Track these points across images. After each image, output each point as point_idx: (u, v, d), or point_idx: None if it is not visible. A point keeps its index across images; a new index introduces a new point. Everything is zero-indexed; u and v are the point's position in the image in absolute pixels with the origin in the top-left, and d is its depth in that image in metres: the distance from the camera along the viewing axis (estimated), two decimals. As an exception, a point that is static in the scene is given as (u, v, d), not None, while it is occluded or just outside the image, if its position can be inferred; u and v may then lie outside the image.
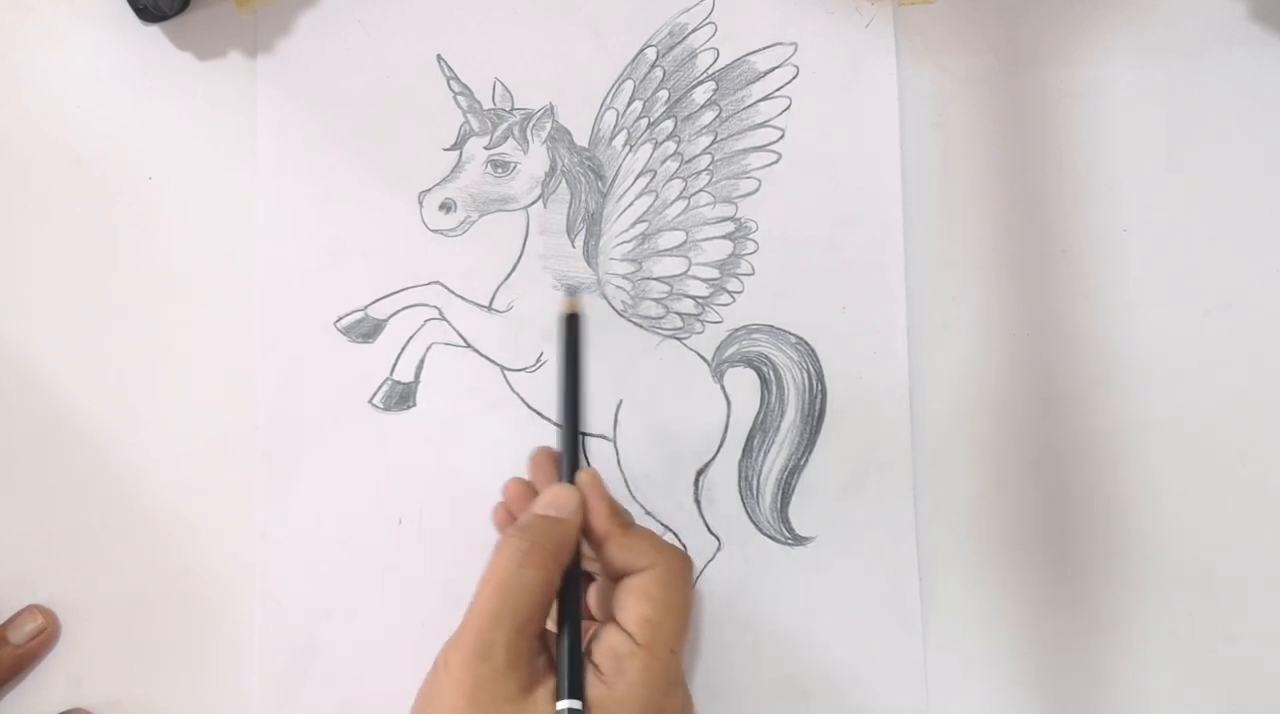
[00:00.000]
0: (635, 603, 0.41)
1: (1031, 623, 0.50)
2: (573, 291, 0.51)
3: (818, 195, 0.52)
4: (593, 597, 0.44)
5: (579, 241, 0.52)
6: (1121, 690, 0.49)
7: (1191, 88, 0.52)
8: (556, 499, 0.42)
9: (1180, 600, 0.50)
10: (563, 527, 0.42)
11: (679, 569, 0.42)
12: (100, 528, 0.50)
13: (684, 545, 0.50)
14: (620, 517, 0.43)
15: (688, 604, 0.42)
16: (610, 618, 0.41)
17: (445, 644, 0.40)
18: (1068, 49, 0.52)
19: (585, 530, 0.42)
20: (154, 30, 0.52)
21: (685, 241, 0.52)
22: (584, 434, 0.51)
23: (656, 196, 0.52)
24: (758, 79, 0.52)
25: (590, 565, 0.44)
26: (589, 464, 0.46)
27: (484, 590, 0.40)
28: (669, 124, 0.52)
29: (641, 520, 0.50)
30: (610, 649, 0.40)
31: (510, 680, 0.38)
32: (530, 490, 0.45)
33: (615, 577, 0.42)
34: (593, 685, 0.39)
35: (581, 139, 0.52)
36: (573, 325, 0.46)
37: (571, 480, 0.43)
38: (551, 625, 0.41)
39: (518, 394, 0.51)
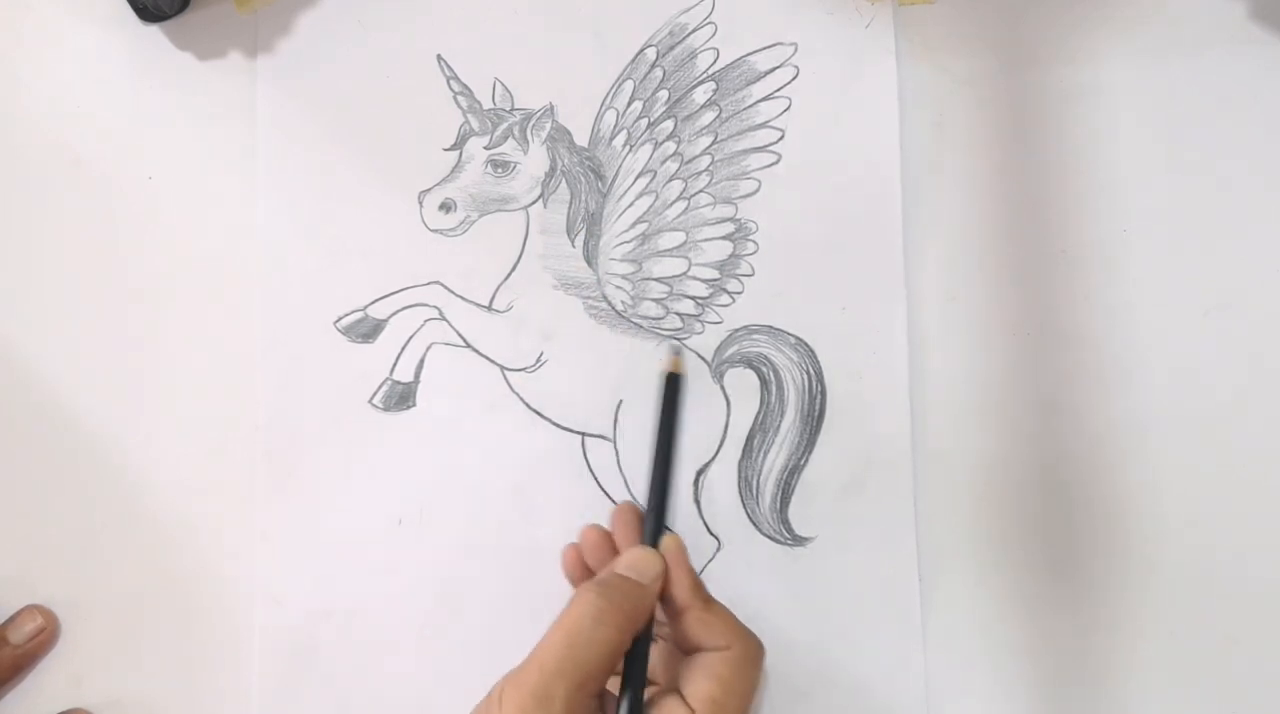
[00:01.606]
0: (704, 681, 0.40)
1: (1031, 623, 0.50)
2: (677, 349, 0.50)
3: (818, 195, 0.52)
4: (655, 658, 0.44)
5: (579, 241, 0.52)
6: (1121, 690, 0.49)
7: (1191, 88, 0.52)
8: (639, 563, 0.42)
9: (1180, 600, 0.50)
10: (642, 591, 0.41)
11: (752, 656, 0.41)
12: (100, 528, 0.50)
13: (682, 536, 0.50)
14: (701, 590, 0.42)
15: (753, 691, 0.41)
16: (673, 688, 0.41)
17: (504, 678, 0.39)
18: (1068, 49, 0.52)
19: (663, 598, 0.42)
20: (154, 30, 0.52)
21: (685, 242, 0.52)
22: (592, 435, 0.51)
23: (656, 197, 0.52)
24: (758, 79, 0.52)
25: (658, 630, 0.43)
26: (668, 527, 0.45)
27: (553, 637, 0.39)
28: (669, 124, 0.52)
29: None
30: None
31: None
32: (607, 540, 0.45)
33: (686, 649, 0.42)
34: None
35: (581, 139, 0.52)
36: (674, 385, 0.45)
37: (655, 544, 0.43)
38: (612, 687, 0.41)
39: (517, 394, 0.51)
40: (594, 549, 0.45)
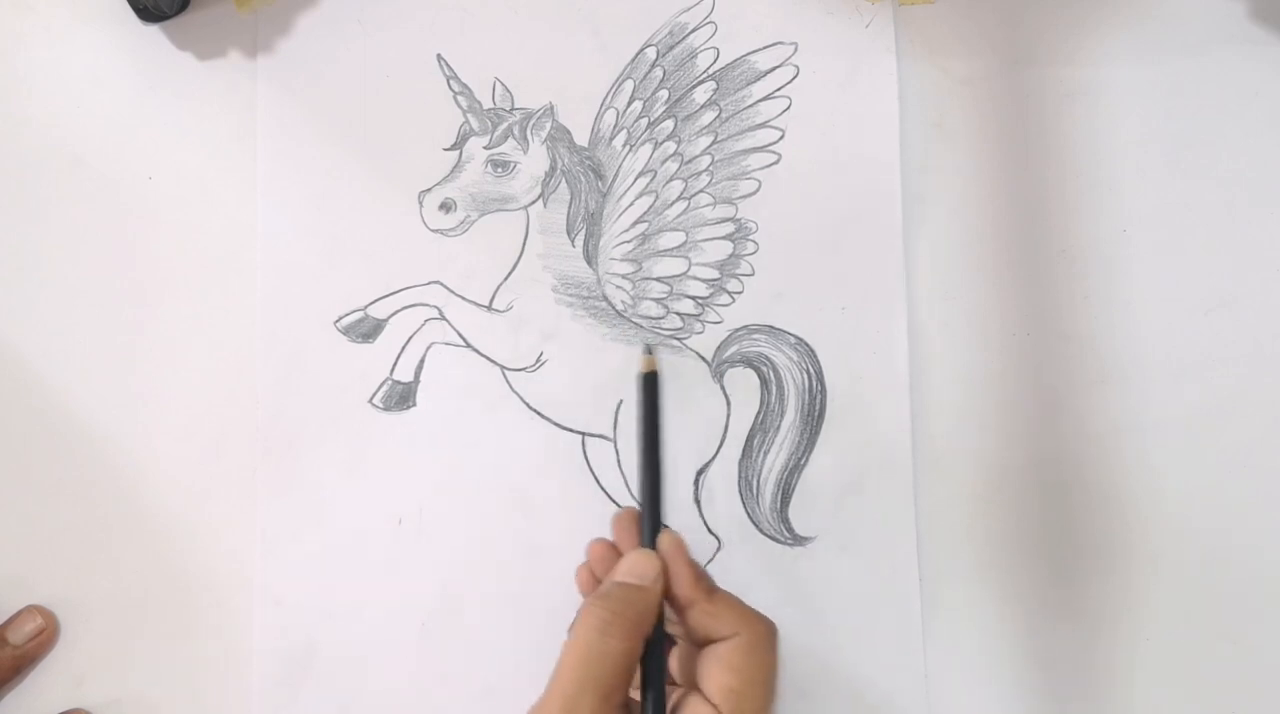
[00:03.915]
0: (719, 672, 0.40)
1: (1031, 623, 0.50)
2: (651, 348, 0.50)
3: (818, 195, 0.52)
4: (674, 661, 0.43)
5: (579, 241, 0.52)
6: (1121, 690, 0.49)
7: (1191, 88, 0.52)
8: (637, 566, 0.41)
9: (1180, 600, 0.50)
10: (644, 594, 0.41)
11: (764, 638, 0.41)
12: (100, 528, 0.50)
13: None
14: (704, 582, 0.42)
15: (772, 673, 0.41)
16: (693, 685, 0.41)
17: (529, 711, 0.39)
18: (1068, 49, 0.52)
19: (668, 596, 0.41)
20: (154, 30, 0.52)
21: (685, 242, 0.52)
22: (592, 435, 0.51)
23: (656, 197, 0.52)
24: (758, 79, 0.52)
25: (673, 628, 0.43)
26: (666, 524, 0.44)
27: (567, 660, 0.39)
28: (669, 124, 0.52)
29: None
30: None
31: None
32: (613, 552, 0.45)
33: (699, 643, 0.41)
34: None
35: (581, 139, 0.52)
36: (651, 384, 0.44)
37: (653, 545, 0.42)
38: (634, 692, 0.41)
39: (517, 394, 0.51)
40: (601, 562, 0.45)
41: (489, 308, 0.51)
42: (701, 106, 0.52)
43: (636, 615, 0.40)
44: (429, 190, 0.51)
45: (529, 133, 0.52)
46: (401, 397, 0.51)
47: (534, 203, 0.52)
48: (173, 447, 0.50)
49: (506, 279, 0.51)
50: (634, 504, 0.50)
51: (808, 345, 0.51)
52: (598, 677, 0.38)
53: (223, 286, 0.51)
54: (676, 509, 0.50)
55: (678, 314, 0.51)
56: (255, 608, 0.49)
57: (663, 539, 0.42)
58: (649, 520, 0.43)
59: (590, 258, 0.52)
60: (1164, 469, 0.50)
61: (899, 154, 0.51)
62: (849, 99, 0.52)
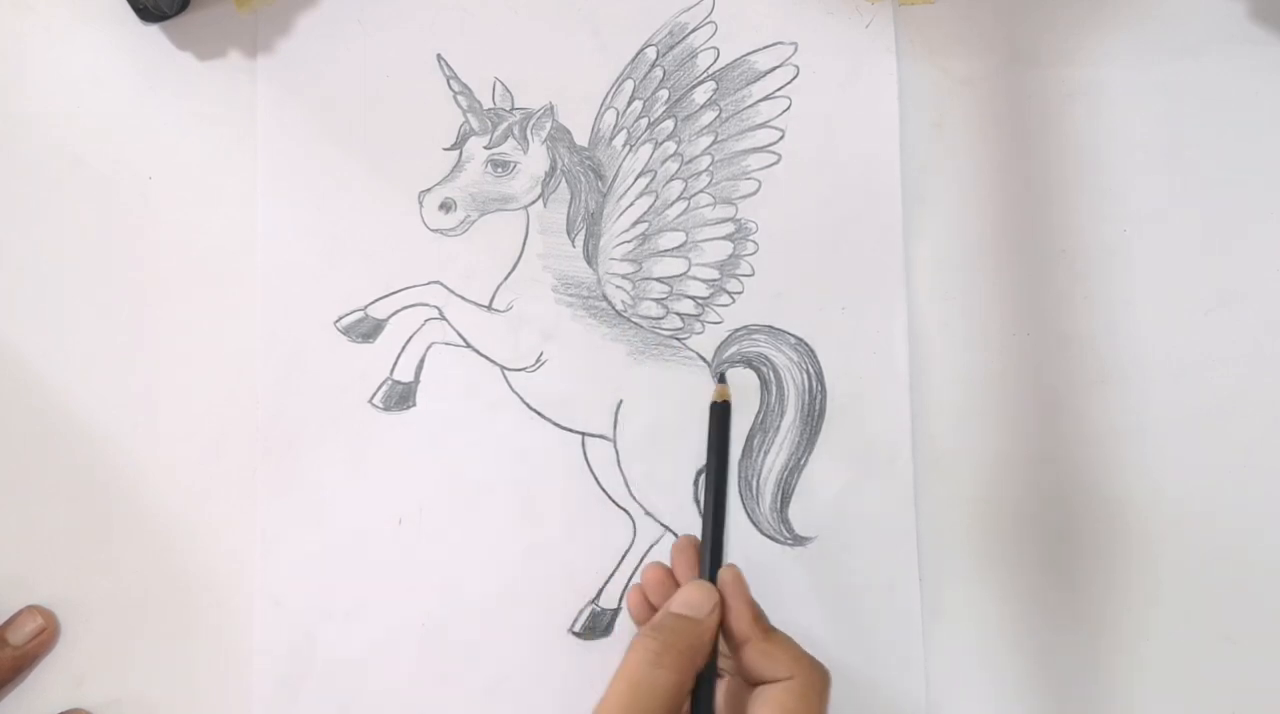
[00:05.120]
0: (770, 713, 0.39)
1: (1031, 623, 0.50)
2: (722, 377, 0.50)
3: (818, 195, 0.52)
4: (722, 697, 0.43)
5: (579, 241, 0.52)
6: (1121, 690, 0.49)
7: (1191, 88, 0.52)
8: (693, 598, 0.41)
9: (1180, 600, 0.50)
10: (698, 628, 0.40)
11: (817, 685, 0.40)
12: (100, 528, 0.50)
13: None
14: (761, 621, 0.41)
15: None
16: None
17: None
18: (1068, 49, 0.52)
19: (723, 631, 0.41)
20: (154, 30, 0.52)
21: (685, 242, 0.52)
22: (592, 435, 0.51)
23: (656, 197, 0.52)
24: (758, 79, 0.52)
25: (724, 663, 0.42)
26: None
27: (616, 688, 0.39)
28: (669, 124, 0.52)
29: (641, 520, 0.50)
30: None
31: None
32: (668, 577, 0.44)
33: (750, 682, 0.41)
34: None
35: (581, 139, 0.52)
36: (723, 414, 0.44)
37: (712, 577, 0.42)
38: None
39: (517, 394, 0.51)
40: (656, 588, 0.44)
41: (489, 308, 0.51)
42: (701, 106, 0.52)
43: (689, 648, 0.39)
44: (429, 190, 0.51)
45: (529, 133, 0.52)
46: (401, 397, 0.51)
47: (534, 203, 0.52)
48: (173, 447, 0.50)
49: (506, 279, 0.51)
50: (633, 503, 0.50)
51: (808, 345, 0.51)
52: (646, 708, 0.38)
53: (223, 286, 0.51)
54: (676, 509, 0.50)
55: (678, 314, 0.51)
56: (255, 608, 0.49)
57: (724, 573, 0.42)
58: (709, 552, 0.43)
59: (590, 258, 0.52)
60: (1164, 469, 0.50)
61: (899, 154, 0.51)
62: (849, 99, 0.52)
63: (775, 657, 0.40)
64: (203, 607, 0.49)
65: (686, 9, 0.52)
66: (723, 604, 0.41)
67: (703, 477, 0.50)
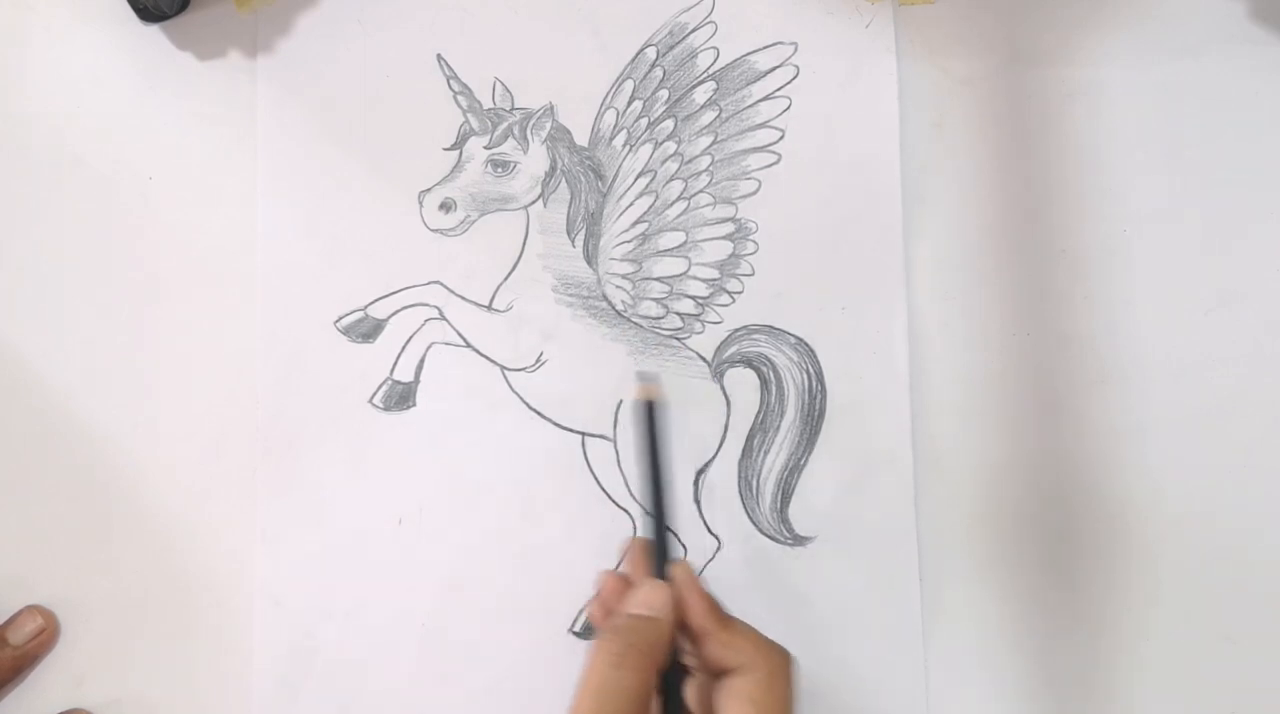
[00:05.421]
0: (736, 705, 0.39)
1: (1031, 623, 0.50)
2: (647, 377, 0.50)
3: (818, 195, 0.52)
4: (691, 691, 0.42)
5: (579, 241, 0.52)
6: (1121, 690, 0.49)
7: (1191, 88, 0.52)
8: (648, 597, 0.41)
9: (1180, 600, 0.50)
10: (656, 626, 0.40)
11: (780, 669, 0.40)
12: (100, 528, 0.50)
13: (685, 546, 0.50)
14: (717, 612, 0.41)
15: (789, 705, 0.40)
16: None
17: None
18: (1068, 49, 0.52)
19: (682, 626, 0.41)
20: (154, 30, 0.52)
21: (685, 242, 0.52)
22: (592, 435, 0.51)
23: (656, 197, 0.52)
24: (758, 79, 0.52)
25: (688, 659, 0.42)
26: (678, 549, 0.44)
27: (582, 696, 0.39)
28: (669, 124, 0.52)
29: (641, 520, 0.50)
30: None
31: None
32: (624, 584, 0.44)
33: (714, 674, 0.41)
34: None
35: (581, 139, 0.52)
36: (650, 412, 0.44)
37: (663, 574, 0.42)
38: None
39: (517, 394, 0.51)
40: (613, 594, 0.44)
41: (489, 308, 0.51)
42: (701, 106, 0.52)
43: (649, 647, 0.40)
44: (429, 190, 0.51)
45: (529, 133, 0.52)
46: (401, 397, 0.51)
47: (534, 203, 0.52)
48: (173, 447, 0.50)
49: (506, 279, 0.51)
50: (633, 504, 0.50)
51: (808, 345, 0.51)
52: (614, 710, 0.38)
53: (223, 286, 0.51)
54: (677, 509, 0.50)
55: (678, 314, 0.51)
56: (255, 608, 0.49)
57: (675, 569, 0.42)
58: (659, 551, 0.43)
59: (590, 258, 0.52)
60: (1164, 469, 0.50)
61: (899, 154, 0.51)
62: (849, 99, 0.52)
63: (736, 646, 0.40)
64: (203, 607, 0.49)
65: (686, 9, 0.52)
66: (679, 600, 0.41)
67: (703, 476, 0.50)
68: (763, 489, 0.50)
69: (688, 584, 0.42)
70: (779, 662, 0.41)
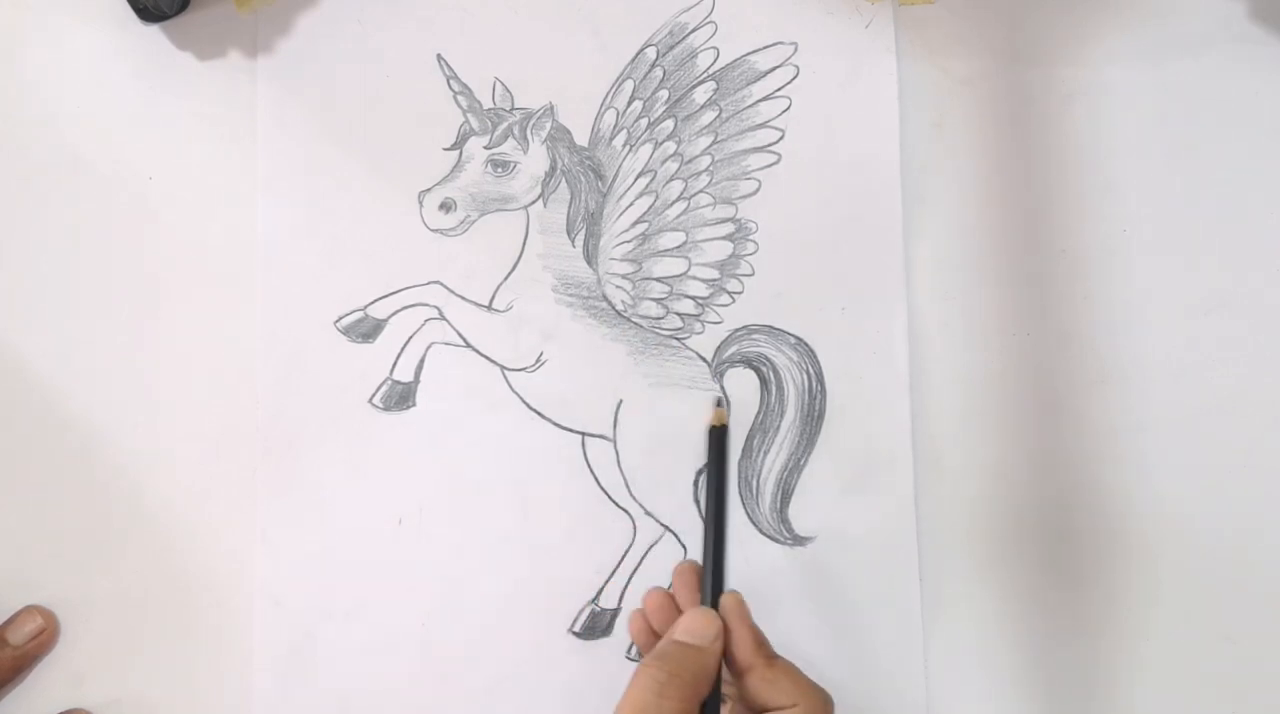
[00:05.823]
0: None
1: (1031, 623, 0.50)
2: (720, 401, 0.50)
3: (818, 195, 0.52)
4: None
5: (579, 241, 0.52)
6: (1121, 690, 0.49)
7: (1191, 88, 0.52)
8: (696, 626, 0.41)
9: (1180, 600, 0.50)
10: (701, 656, 0.40)
11: (820, 711, 0.40)
12: (100, 528, 0.50)
13: (685, 547, 0.50)
14: (765, 648, 0.41)
15: None
16: None
17: None
18: (1068, 49, 0.52)
19: (726, 658, 0.41)
20: (154, 30, 0.52)
21: (685, 242, 0.52)
22: (592, 435, 0.51)
23: (656, 197, 0.52)
24: (758, 79, 0.52)
25: (726, 689, 0.42)
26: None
27: None
28: (669, 124, 0.52)
29: (641, 520, 0.50)
30: None
31: None
32: (670, 603, 0.44)
33: (754, 710, 0.41)
34: None
35: (581, 139, 0.52)
36: (720, 438, 0.44)
37: (714, 603, 0.42)
38: None
39: (517, 394, 0.51)
40: (657, 612, 0.44)
41: (489, 308, 0.51)
42: (701, 106, 0.52)
43: (693, 677, 0.39)
44: (429, 190, 0.51)
45: (529, 133, 0.52)
46: (401, 396, 0.51)
47: (534, 203, 0.52)
48: (173, 447, 0.50)
49: (506, 279, 0.51)
50: (633, 504, 0.50)
51: (808, 345, 0.51)
52: None
53: (223, 286, 0.51)
54: (677, 509, 0.50)
55: (678, 314, 0.51)
56: (255, 608, 0.49)
57: (726, 599, 0.42)
58: (711, 578, 0.42)
59: (590, 258, 0.52)
60: (1164, 469, 0.50)
61: (899, 154, 0.51)
62: (849, 99, 0.52)
63: (779, 684, 0.40)
64: (203, 607, 0.49)
65: (686, 9, 0.52)
66: (725, 631, 0.41)
67: (703, 477, 0.50)
68: (762, 489, 0.50)
69: (737, 616, 0.41)
70: (819, 704, 0.40)
